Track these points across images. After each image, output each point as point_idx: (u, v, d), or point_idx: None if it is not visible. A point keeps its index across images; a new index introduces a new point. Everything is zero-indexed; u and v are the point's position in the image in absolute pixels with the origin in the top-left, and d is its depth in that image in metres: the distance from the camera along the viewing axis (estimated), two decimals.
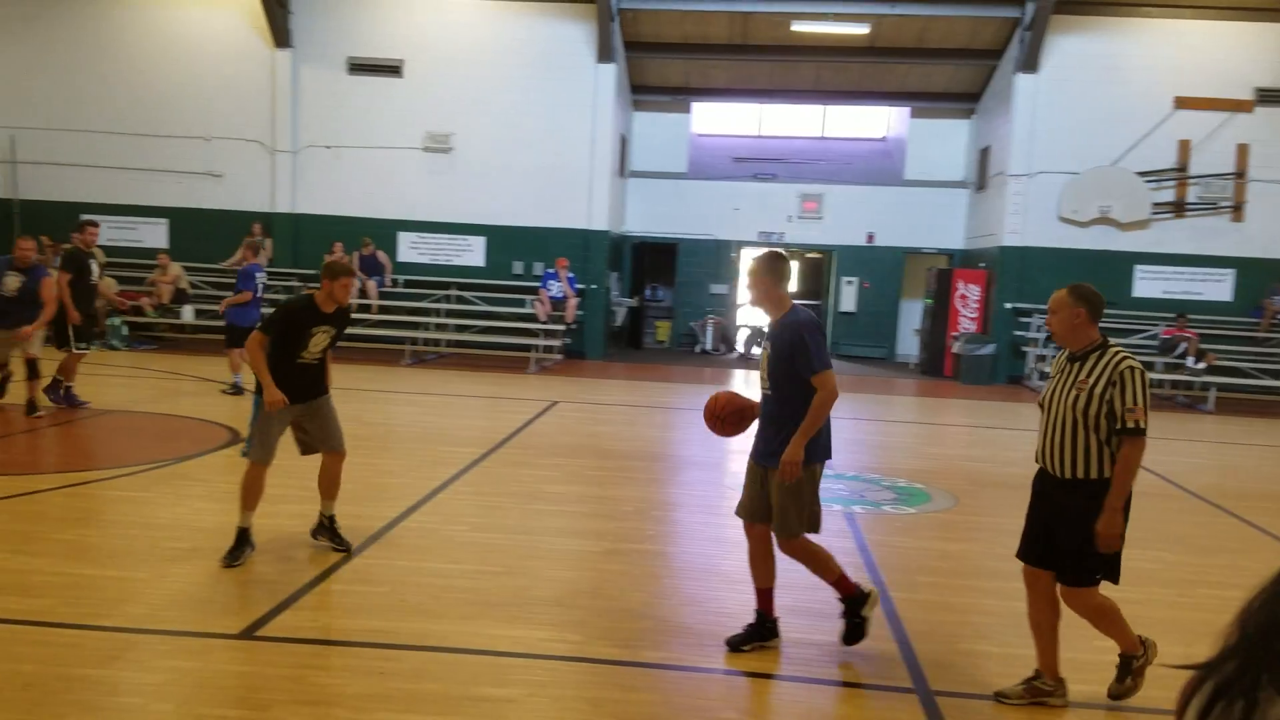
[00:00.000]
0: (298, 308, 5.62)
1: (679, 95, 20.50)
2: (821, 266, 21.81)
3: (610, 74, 17.73)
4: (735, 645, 4.61)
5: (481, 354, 17.15)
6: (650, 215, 20.24)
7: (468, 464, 8.45)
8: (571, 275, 17.26)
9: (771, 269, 4.58)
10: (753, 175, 20.45)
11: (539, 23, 17.74)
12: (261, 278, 11.37)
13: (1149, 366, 13.25)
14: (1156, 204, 17.05)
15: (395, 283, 17.92)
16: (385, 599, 5.09)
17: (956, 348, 17.38)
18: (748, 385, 16.14)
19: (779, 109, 21.49)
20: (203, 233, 17.98)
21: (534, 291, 17.37)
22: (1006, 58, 18.01)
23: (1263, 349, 16.48)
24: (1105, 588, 4.08)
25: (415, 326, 17.15)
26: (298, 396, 5.62)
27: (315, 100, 17.95)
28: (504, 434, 10.02)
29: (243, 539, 5.56)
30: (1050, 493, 4.09)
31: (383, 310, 17.38)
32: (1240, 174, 16.95)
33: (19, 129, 18.11)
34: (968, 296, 17.73)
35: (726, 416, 4.75)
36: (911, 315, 20.09)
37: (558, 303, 17.09)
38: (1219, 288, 17.31)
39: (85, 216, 11.18)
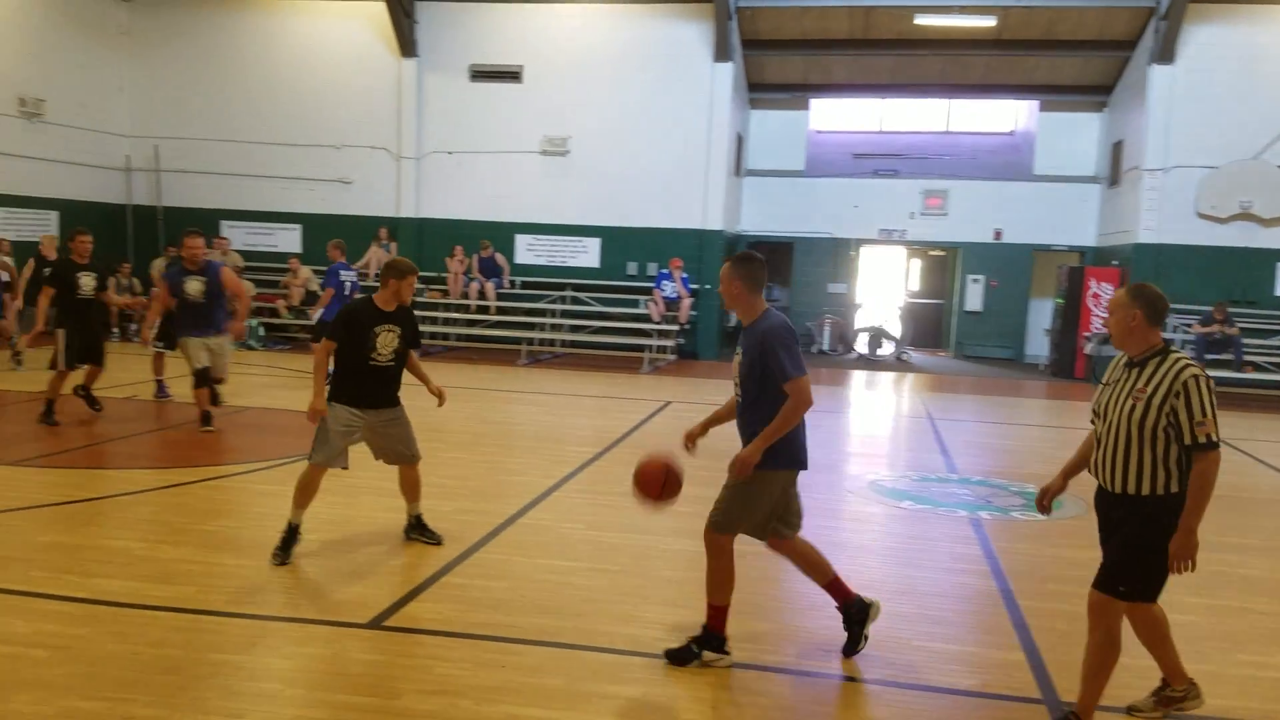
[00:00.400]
0: (355, 308, 5.71)
1: (797, 92, 20.28)
2: (946, 264, 21.27)
3: (727, 73, 17.67)
4: (848, 651, 4.54)
5: (596, 354, 17.31)
6: (766, 214, 20.09)
7: (583, 463, 8.54)
8: (685, 275, 17.27)
9: (743, 272, 4.37)
10: (873, 172, 20.08)
11: (655, 24, 17.82)
12: (349, 276, 11.66)
13: None
14: None
15: (513, 284, 18.28)
16: (505, 593, 5.18)
17: (1089, 349, 16.75)
18: (868, 388, 15.83)
19: (901, 104, 21.02)
20: (332, 237, 18.65)
21: (648, 292, 17.45)
22: (1140, 49, 17.25)
23: None
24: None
25: (531, 327, 17.46)
26: (371, 401, 5.67)
27: (438, 107, 18.46)
28: (618, 434, 10.09)
29: (291, 535, 5.61)
30: (1104, 509, 3.89)
31: (500, 311, 17.76)
32: None
33: (163, 139, 19.20)
34: (1100, 295, 17.02)
35: (668, 494, 4.53)
36: (1041, 315, 19.42)
37: (671, 303, 17.11)
38: None
39: (77, 227, 9.89)
